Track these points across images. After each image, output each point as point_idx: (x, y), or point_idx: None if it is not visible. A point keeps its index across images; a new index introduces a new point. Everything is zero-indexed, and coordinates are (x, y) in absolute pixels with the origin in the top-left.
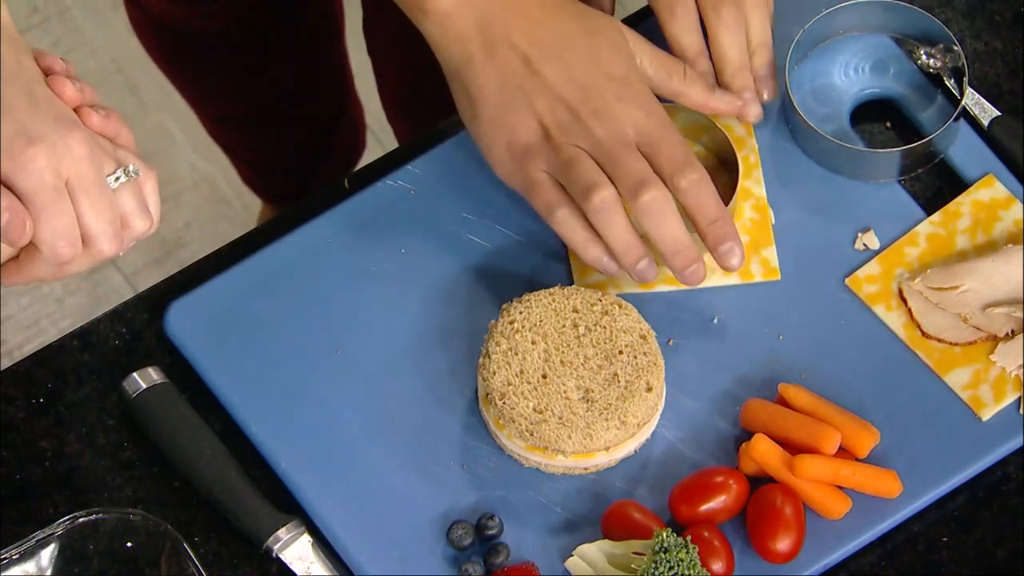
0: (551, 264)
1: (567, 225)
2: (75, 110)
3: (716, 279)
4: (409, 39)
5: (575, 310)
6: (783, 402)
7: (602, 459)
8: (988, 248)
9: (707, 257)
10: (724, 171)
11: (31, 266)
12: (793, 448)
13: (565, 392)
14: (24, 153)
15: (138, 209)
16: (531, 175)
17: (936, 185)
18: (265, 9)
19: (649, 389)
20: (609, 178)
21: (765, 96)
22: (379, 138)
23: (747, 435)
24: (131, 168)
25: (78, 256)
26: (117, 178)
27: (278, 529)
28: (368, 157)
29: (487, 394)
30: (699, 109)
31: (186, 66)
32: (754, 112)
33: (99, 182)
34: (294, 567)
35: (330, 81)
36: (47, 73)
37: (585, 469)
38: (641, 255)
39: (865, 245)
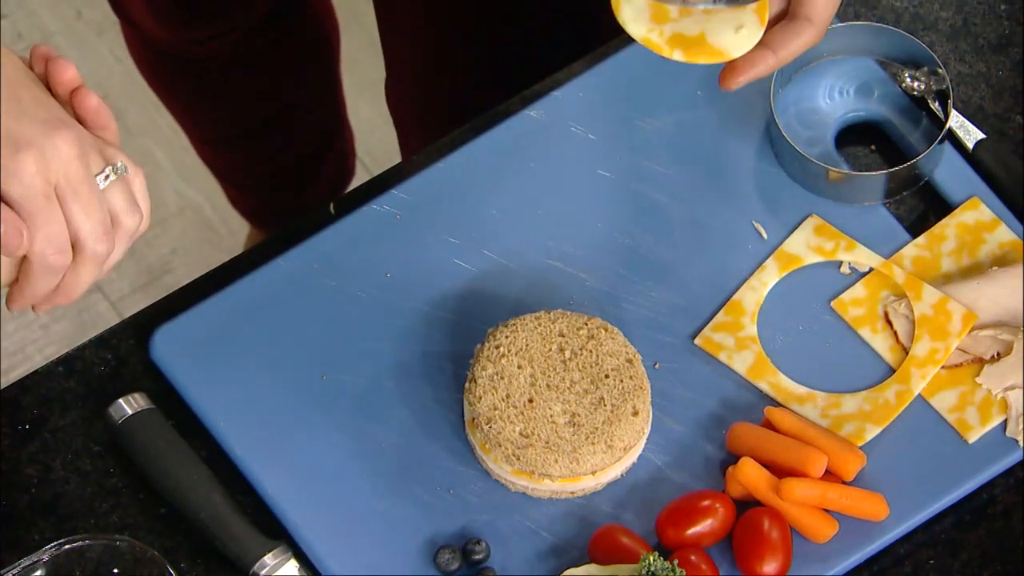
0: (537, 288)
1: None
2: (73, 92)
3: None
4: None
5: (561, 334)
6: (769, 425)
7: (589, 483)
8: (973, 271)
9: None
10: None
11: (30, 286)
12: (779, 471)
13: (551, 416)
14: (13, 160)
15: (128, 206)
16: None
17: (921, 208)
18: (259, 34)
19: (635, 413)
20: None
21: None
22: (367, 166)
23: (733, 458)
24: (119, 165)
25: (67, 263)
26: (107, 176)
27: (265, 555)
28: (354, 183)
29: (473, 418)
30: None
31: (179, 89)
32: None
33: (88, 181)
34: None
35: (322, 106)
36: (44, 59)
37: (572, 493)
38: None
39: (851, 268)
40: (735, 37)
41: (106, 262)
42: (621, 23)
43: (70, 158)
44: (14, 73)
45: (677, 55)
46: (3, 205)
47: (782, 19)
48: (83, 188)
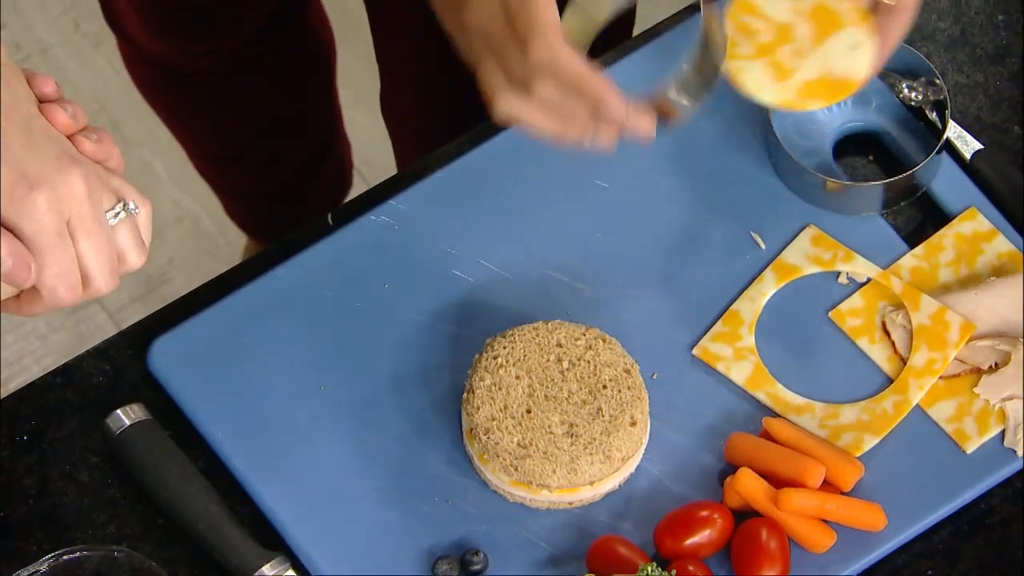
0: (535, 299)
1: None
2: (69, 138)
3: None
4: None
5: (559, 345)
6: (767, 436)
7: (587, 493)
8: (971, 281)
9: None
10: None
11: (31, 306)
12: (778, 482)
13: (549, 427)
14: (27, 198)
15: (134, 244)
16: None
17: (919, 218)
18: (254, 48)
19: (633, 423)
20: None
21: None
22: (364, 177)
23: (731, 469)
24: (131, 205)
25: (77, 299)
26: (116, 214)
27: (263, 565)
28: (352, 194)
29: (471, 429)
30: None
31: (175, 102)
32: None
33: (99, 220)
34: None
35: (319, 119)
36: (40, 99)
37: (570, 504)
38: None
39: (849, 278)
40: (855, 57)
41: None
42: (751, 95)
43: (82, 197)
44: (26, 101)
45: (817, 104)
46: (10, 237)
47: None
48: (94, 228)
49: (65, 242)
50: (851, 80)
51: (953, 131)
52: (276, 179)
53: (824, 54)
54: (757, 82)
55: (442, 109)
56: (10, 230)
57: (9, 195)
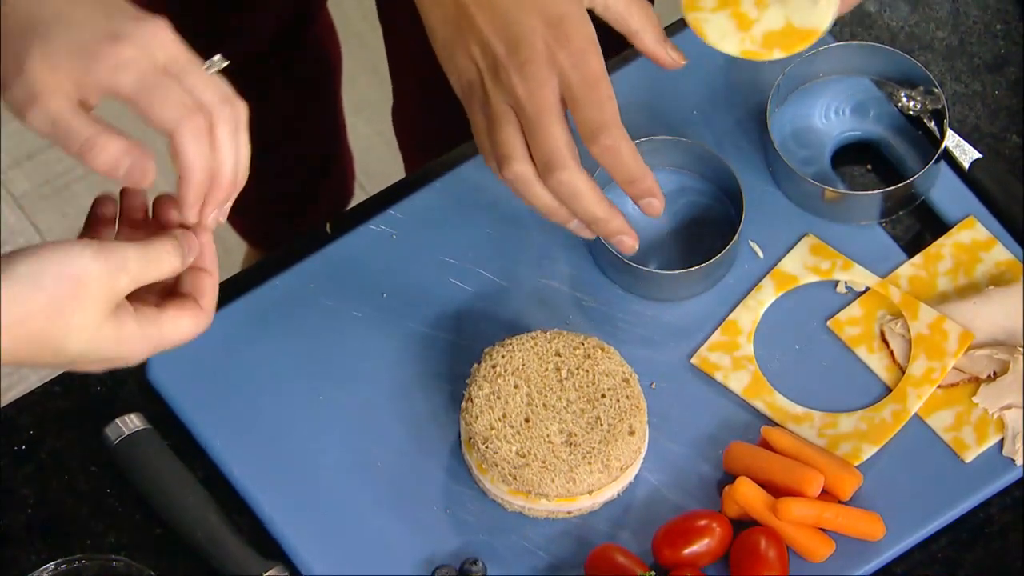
0: (533, 308)
1: (497, 174)
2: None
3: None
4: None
5: (557, 354)
6: (766, 445)
7: (585, 503)
8: (970, 290)
9: None
10: (726, 202)
11: (194, 176)
12: (776, 491)
13: (548, 436)
14: (113, 52)
15: (233, 93)
16: (474, 118)
17: (917, 227)
18: (262, 63)
19: (632, 432)
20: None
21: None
22: (363, 186)
23: (730, 478)
24: (216, 58)
25: (208, 123)
26: (208, 67)
27: (261, 574)
28: (351, 203)
29: (470, 438)
30: (646, 52)
31: None
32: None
33: (194, 60)
34: None
35: (323, 132)
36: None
37: (568, 513)
38: (567, 218)
39: (847, 288)
40: (817, 8)
41: (240, 131)
42: (712, 45)
43: (170, 41)
44: None
45: (778, 54)
46: (126, 139)
47: None
48: (191, 66)
49: (169, 78)
50: (813, 31)
51: (951, 140)
52: (278, 190)
53: (786, 4)
54: (719, 32)
55: (453, 123)
56: (112, 91)
57: (97, 55)
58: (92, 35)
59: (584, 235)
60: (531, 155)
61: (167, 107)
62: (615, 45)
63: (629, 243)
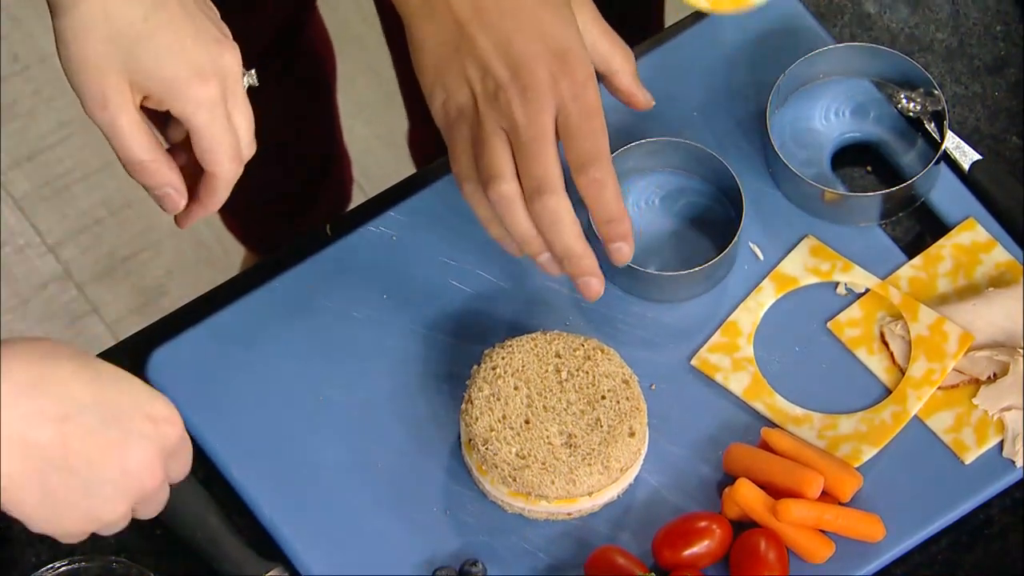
0: (534, 309)
1: (473, 199)
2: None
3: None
4: None
5: (557, 355)
6: (766, 446)
7: (585, 504)
8: (970, 291)
9: None
10: (726, 203)
11: (212, 198)
12: (776, 492)
13: (548, 437)
14: (197, 92)
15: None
16: (455, 139)
17: (917, 229)
18: (254, 63)
19: (632, 434)
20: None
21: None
22: (363, 187)
23: (730, 480)
24: (252, 72)
25: (240, 171)
26: (246, 84)
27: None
28: (350, 205)
29: (470, 439)
30: (619, 93)
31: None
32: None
33: (243, 93)
34: None
35: (320, 132)
36: None
37: (568, 514)
38: (540, 249)
39: (847, 289)
40: None
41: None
42: (684, 2)
43: (236, 75)
44: None
45: (749, 5)
46: (175, 172)
47: None
48: (242, 100)
49: (228, 121)
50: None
51: (951, 142)
52: (276, 194)
53: None
54: None
55: None
56: (183, 120)
57: (182, 90)
58: (186, 70)
59: (551, 271)
60: (519, 178)
61: (219, 154)
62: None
63: (596, 287)
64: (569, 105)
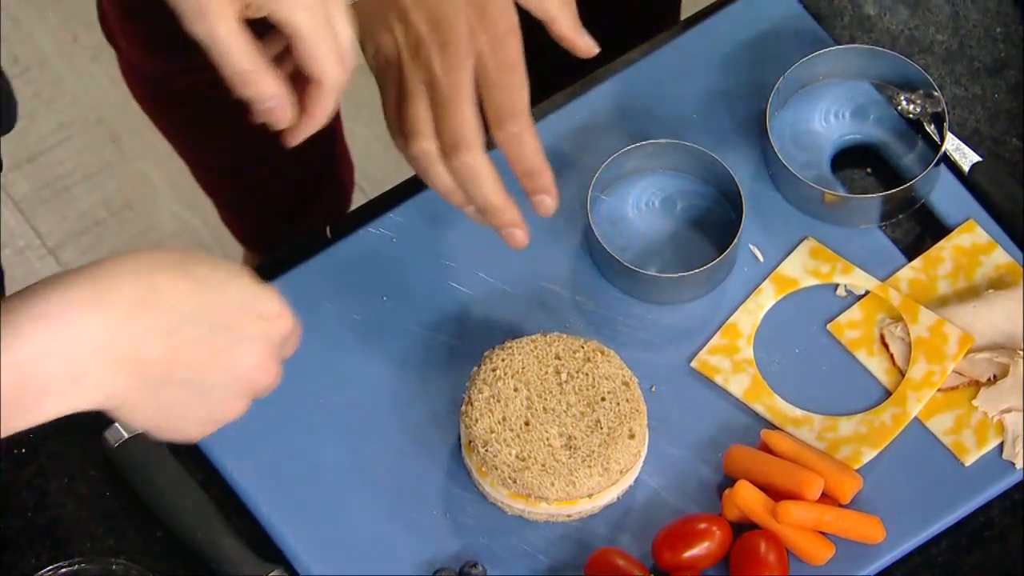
0: (533, 311)
1: (403, 153)
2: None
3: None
4: None
5: (557, 357)
6: (766, 448)
7: (585, 506)
8: (970, 293)
9: None
10: (726, 205)
11: (321, 109)
12: (776, 494)
13: (548, 439)
14: None
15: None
16: (385, 92)
17: (917, 231)
18: None
19: (632, 436)
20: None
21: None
22: (363, 189)
23: (730, 481)
24: None
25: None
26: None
27: None
28: (351, 206)
29: (470, 441)
30: (562, 41)
31: (174, 117)
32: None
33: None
34: None
35: (320, 138)
36: None
37: (568, 516)
38: (463, 202)
39: (847, 291)
40: None
41: None
42: None
43: None
44: None
45: None
46: (279, 83)
47: None
48: (341, 3)
49: (329, 24)
50: None
51: (951, 143)
52: (276, 195)
53: None
54: None
55: None
56: (283, 24)
57: None
58: None
59: (478, 221)
60: (437, 135)
61: (323, 56)
62: (610, 54)
63: (520, 237)
64: (487, 58)
